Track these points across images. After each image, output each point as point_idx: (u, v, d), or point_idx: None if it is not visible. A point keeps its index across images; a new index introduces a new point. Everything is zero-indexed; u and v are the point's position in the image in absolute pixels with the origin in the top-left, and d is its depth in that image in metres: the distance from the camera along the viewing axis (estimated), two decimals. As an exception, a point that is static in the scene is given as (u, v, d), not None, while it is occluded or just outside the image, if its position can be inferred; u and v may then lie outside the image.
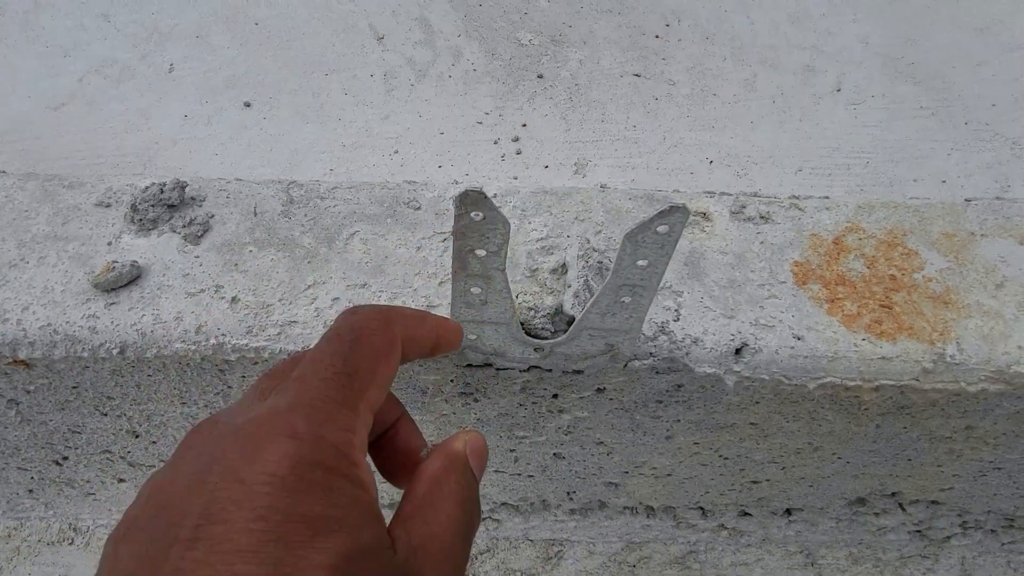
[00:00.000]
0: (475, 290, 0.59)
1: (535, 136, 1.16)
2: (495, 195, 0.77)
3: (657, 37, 1.31)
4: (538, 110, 1.20)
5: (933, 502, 0.95)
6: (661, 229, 0.52)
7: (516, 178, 1.10)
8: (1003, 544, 1.08)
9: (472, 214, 0.52)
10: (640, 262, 0.55)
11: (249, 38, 1.30)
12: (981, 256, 0.74)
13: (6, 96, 1.20)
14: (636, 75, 1.25)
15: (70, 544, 1.09)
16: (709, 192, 0.79)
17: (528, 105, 1.21)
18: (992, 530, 1.05)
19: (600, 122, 1.18)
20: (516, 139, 1.15)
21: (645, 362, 0.67)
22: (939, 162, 1.13)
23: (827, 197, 0.80)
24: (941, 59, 1.28)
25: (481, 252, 0.55)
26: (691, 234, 0.75)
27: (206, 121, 1.17)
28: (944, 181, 1.10)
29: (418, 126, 1.17)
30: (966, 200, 0.80)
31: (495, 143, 1.15)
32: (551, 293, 0.67)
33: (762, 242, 0.74)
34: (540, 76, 1.25)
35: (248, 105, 1.20)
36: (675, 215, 0.51)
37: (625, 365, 0.66)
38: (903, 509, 0.98)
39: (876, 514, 0.99)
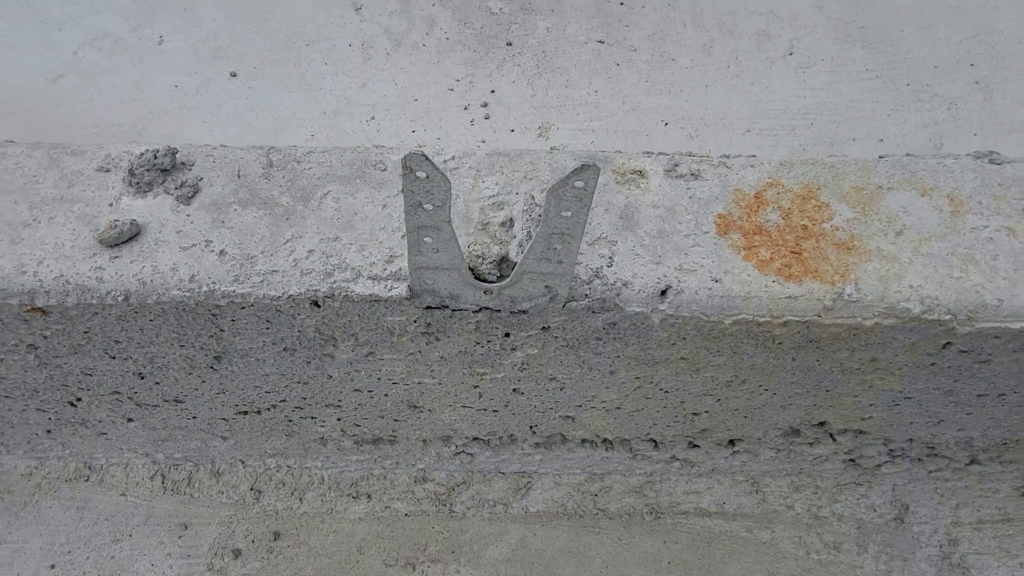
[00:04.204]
0: (427, 239, 0.69)
1: (503, 102, 1.24)
2: (453, 156, 0.86)
3: (621, 4, 1.38)
4: (506, 77, 1.28)
5: (859, 431, 1.06)
6: (578, 184, 0.61)
7: (484, 141, 1.18)
8: (930, 472, 1.19)
9: (417, 173, 0.61)
10: (564, 213, 0.64)
11: (234, 10, 1.37)
12: (886, 207, 0.83)
13: (7, 68, 1.28)
14: (600, 42, 1.33)
15: (86, 481, 1.21)
16: (648, 152, 0.88)
17: (497, 72, 1.29)
18: (919, 458, 1.16)
19: (564, 88, 1.26)
20: (485, 104, 1.23)
21: (581, 303, 0.76)
22: (879, 122, 1.21)
23: (754, 156, 0.88)
24: (891, 22, 1.35)
25: (428, 206, 0.64)
26: (628, 191, 0.84)
27: (195, 91, 1.26)
28: (882, 140, 1.18)
29: (393, 93, 1.25)
30: (880, 157, 0.88)
31: (465, 108, 1.23)
32: (499, 243, 0.77)
33: (691, 197, 0.83)
34: (509, 44, 1.33)
35: (234, 75, 1.28)
36: (588, 172, 0.60)
37: (564, 305, 0.76)
38: (833, 439, 1.08)
39: (810, 444, 1.10)
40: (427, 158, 0.59)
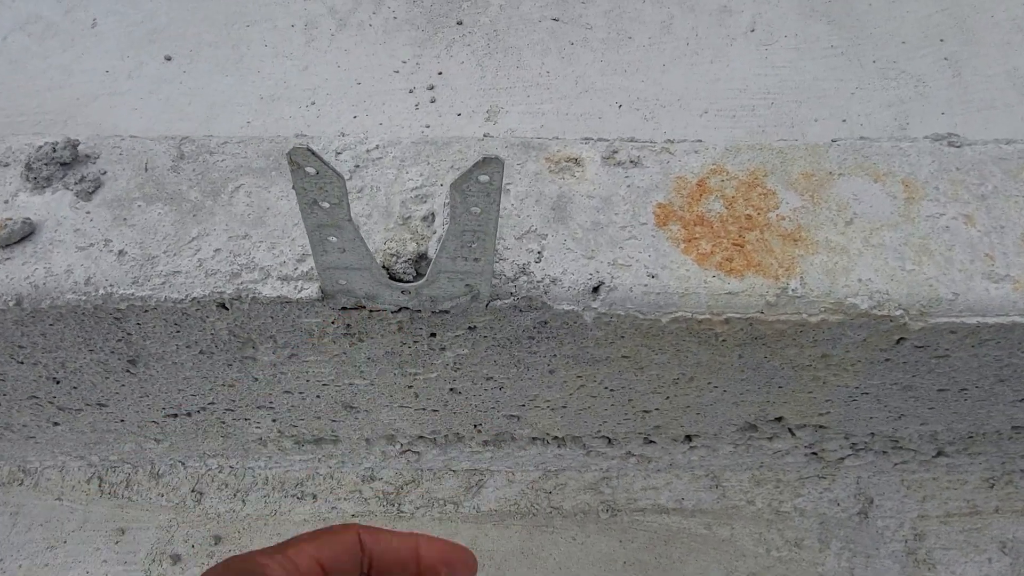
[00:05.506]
0: (332, 239, 0.63)
1: (450, 84, 1.18)
2: (377, 145, 0.81)
3: (578, -20, 1.32)
4: (455, 57, 1.22)
5: (819, 426, 1.02)
6: (482, 178, 0.56)
7: (428, 126, 1.12)
8: (895, 464, 1.15)
9: (306, 168, 0.56)
10: (473, 209, 0.59)
11: (171, -10, 1.30)
12: (836, 194, 0.78)
13: (-71, 55, 1.22)
14: (554, 19, 1.26)
15: (20, 484, 1.16)
16: (586, 138, 0.82)
17: (445, 53, 1.22)
18: (883, 451, 1.12)
19: (515, 68, 1.20)
20: (431, 87, 1.17)
21: (506, 301, 0.71)
22: (842, 101, 1.15)
23: (700, 140, 0.83)
24: (858, -4, 1.29)
25: (324, 204, 0.59)
26: (561, 180, 0.78)
27: (127, 76, 1.19)
28: (844, 120, 1.13)
29: (336, 76, 1.19)
30: (832, 140, 0.83)
31: (411, 92, 1.17)
32: (418, 240, 0.72)
33: (629, 185, 0.78)
34: (460, 23, 1.26)
35: (169, 59, 1.21)
36: (492, 165, 0.55)
37: (487, 304, 0.71)
38: (792, 433, 1.04)
39: (769, 438, 1.06)
40: (313, 152, 0.54)
